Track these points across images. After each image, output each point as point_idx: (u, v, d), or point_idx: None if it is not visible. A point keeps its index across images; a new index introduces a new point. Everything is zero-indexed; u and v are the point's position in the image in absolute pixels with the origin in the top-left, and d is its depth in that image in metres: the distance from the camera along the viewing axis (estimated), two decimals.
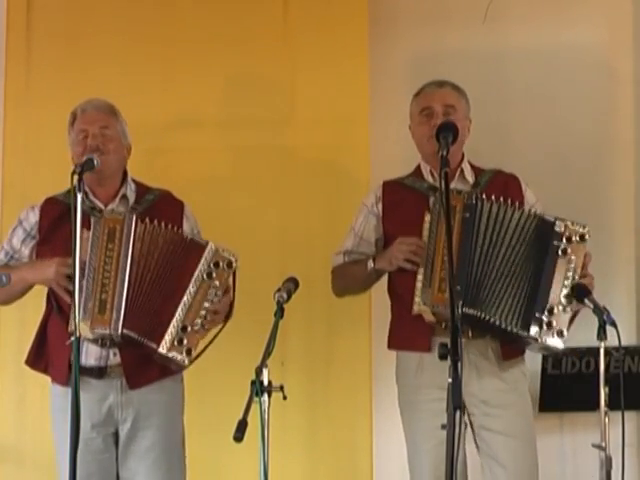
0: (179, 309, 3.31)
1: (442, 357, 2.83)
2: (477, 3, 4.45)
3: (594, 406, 3.26)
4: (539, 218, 3.40)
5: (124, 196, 3.53)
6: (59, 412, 3.41)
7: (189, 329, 3.31)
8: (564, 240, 3.35)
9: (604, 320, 3.22)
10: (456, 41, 4.49)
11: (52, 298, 3.45)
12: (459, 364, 2.80)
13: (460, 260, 3.30)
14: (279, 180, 4.33)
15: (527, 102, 4.48)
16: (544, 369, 4.22)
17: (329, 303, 4.00)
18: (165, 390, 3.49)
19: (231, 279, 3.43)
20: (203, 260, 3.36)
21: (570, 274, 3.33)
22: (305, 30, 4.36)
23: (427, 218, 3.40)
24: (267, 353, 2.99)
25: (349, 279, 3.64)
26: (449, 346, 2.81)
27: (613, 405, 3.23)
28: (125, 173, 3.58)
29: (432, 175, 3.57)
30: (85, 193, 3.42)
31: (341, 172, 4.31)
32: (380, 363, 4.15)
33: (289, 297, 3.21)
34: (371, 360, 4.25)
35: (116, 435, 3.46)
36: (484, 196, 3.39)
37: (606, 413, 3.22)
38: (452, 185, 3.43)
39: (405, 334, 3.50)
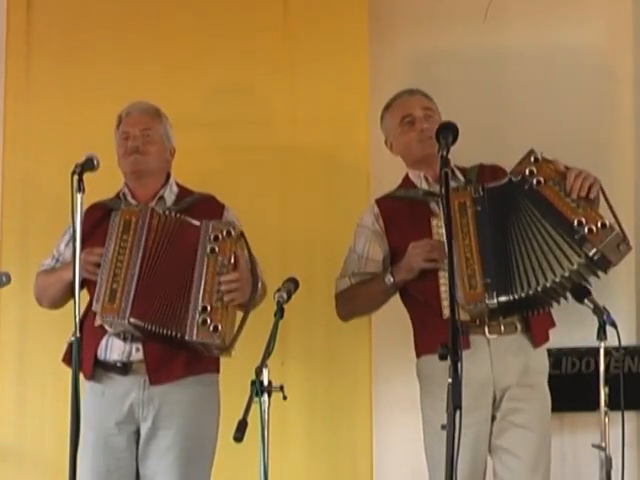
0: (193, 292, 3.33)
1: (442, 357, 2.83)
2: (477, 3, 4.45)
3: (594, 406, 3.27)
4: (502, 188, 3.40)
5: (161, 197, 3.56)
6: (85, 406, 3.30)
7: (209, 308, 3.31)
8: (527, 176, 3.35)
9: (604, 320, 3.23)
10: (456, 41, 4.49)
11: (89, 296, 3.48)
12: (459, 364, 2.80)
13: (483, 253, 3.30)
14: (278, 180, 4.33)
15: (527, 102, 4.48)
16: None
17: (329, 303, 3.99)
18: (189, 391, 3.45)
19: (240, 247, 3.43)
20: (201, 238, 3.38)
21: (558, 188, 3.33)
22: (305, 30, 4.36)
23: (434, 222, 3.39)
24: (267, 353, 2.99)
25: (363, 300, 3.60)
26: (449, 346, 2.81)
27: (613, 405, 3.24)
28: (168, 175, 3.62)
29: (426, 180, 3.56)
30: (124, 195, 3.56)
31: (341, 172, 4.31)
32: (380, 363, 4.15)
33: (289, 297, 3.21)
34: (371, 360, 4.25)
35: (137, 433, 3.45)
36: (487, 185, 3.40)
37: (606, 413, 3.23)
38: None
39: (438, 338, 3.44)
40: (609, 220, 3.27)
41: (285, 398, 3.02)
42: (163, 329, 3.31)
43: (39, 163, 4.29)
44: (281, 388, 3.03)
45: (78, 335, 3.11)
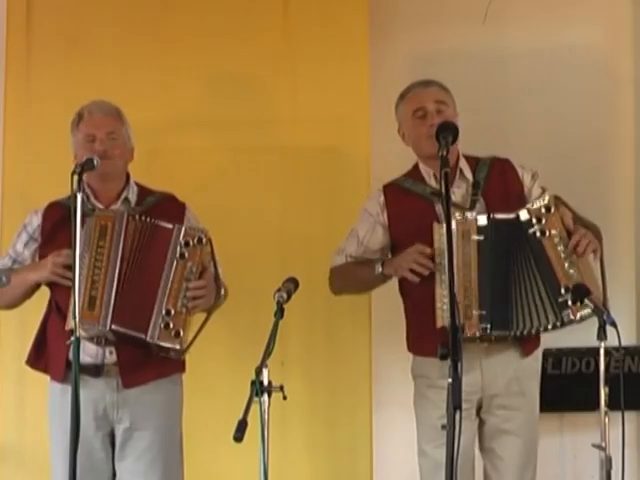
0: (159, 295, 3.32)
1: (442, 357, 2.83)
2: (477, 3, 4.45)
3: (594, 406, 3.26)
4: (508, 222, 3.40)
5: (126, 198, 3.55)
6: (56, 409, 3.43)
7: (172, 312, 3.31)
8: (534, 221, 3.37)
9: (604, 320, 3.22)
10: (456, 41, 4.48)
11: (52, 297, 3.48)
12: (459, 364, 2.80)
13: (481, 284, 3.34)
14: (279, 180, 4.33)
15: (527, 102, 4.48)
16: (544, 369, 4.19)
17: (329, 303, 4.00)
18: (162, 391, 3.49)
19: (207, 255, 3.43)
20: (172, 242, 3.37)
21: (560, 245, 3.35)
22: (305, 30, 4.36)
23: (437, 228, 3.38)
24: (267, 353, 2.99)
25: (353, 279, 3.63)
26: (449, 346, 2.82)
27: (613, 405, 3.23)
28: (128, 176, 3.61)
29: (435, 178, 3.54)
30: (87, 196, 3.47)
31: (341, 172, 4.31)
32: (380, 363, 4.15)
33: (289, 297, 3.21)
34: (371, 360, 4.25)
35: (111, 435, 3.47)
36: (493, 216, 3.39)
37: (606, 413, 3.22)
38: (453, 186, 3.45)
39: (432, 342, 3.44)
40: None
41: (285, 398, 3.02)
42: (132, 332, 3.31)
43: (39, 163, 4.29)
44: (281, 388, 3.02)
45: (74, 338, 3.11)
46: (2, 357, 4.23)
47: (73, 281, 3.14)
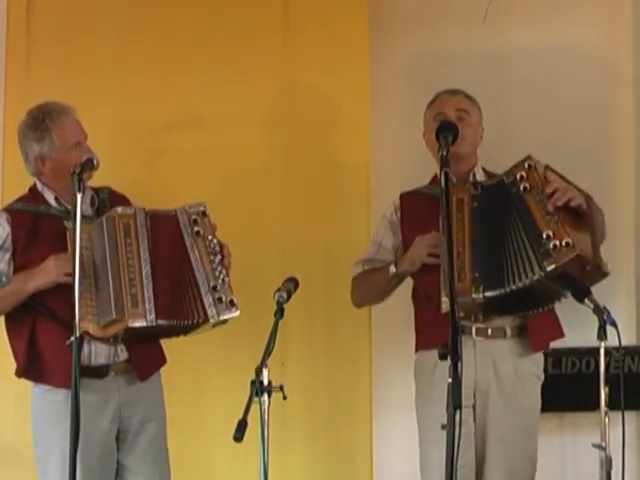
0: (197, 276, 3.39)
1: (442, 357, 2.84)
2: (477, 3, 4.45)
3: (594, 406, 3.26)
4: (495, 186, 3.46)
5: (92, 198, 3.56)
6: (60, 414, 3.37)
7: (218, 286, 3.39)
8: (518, 178, 3.39)
9: (604, 320, 3.22)
10: (456, 41, 4.48)
11: (39, 305, 3.42)
12: (459, 364, 2.80)
13: (473, 248, 3.36)
14: (279, 180, 4.33)
15: (527, 102, 4.48)
16: (544, 369, 4.22)
17: (329, 303, 4.00)
18: (157, 381, 3.58)
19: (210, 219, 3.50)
20: (182, 224, 3.44)
21: (540, 200, 3.36)
22: (305, 30, 4.36)
23: (441, 221, 3.41)
24: (267, 353, 3.00)
25: (370, 286, 3.67)
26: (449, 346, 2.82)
27: (613, 405, 3.23)
28: None
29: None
30: (56, 199, 3.52)
31: (341, 172, 4.31)
32: (380, 363, 4.15)
33: (289, 297, 3.21)
34: (371, 360, 4.25)
35: (118, 431, 3.49)
36: (483, 184, 3.46)
37: (606, 413, 3.22)
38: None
39: (434, 333, 3.46)
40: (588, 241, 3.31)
41: (285, 398, 3.02)
42: (186, 320, 3.36)
43: None
44: (281, 388, 3.03)
45: (78, 336, 3.12)
46: (2, 357, 4.22)
47: (75, 282, 3.13)
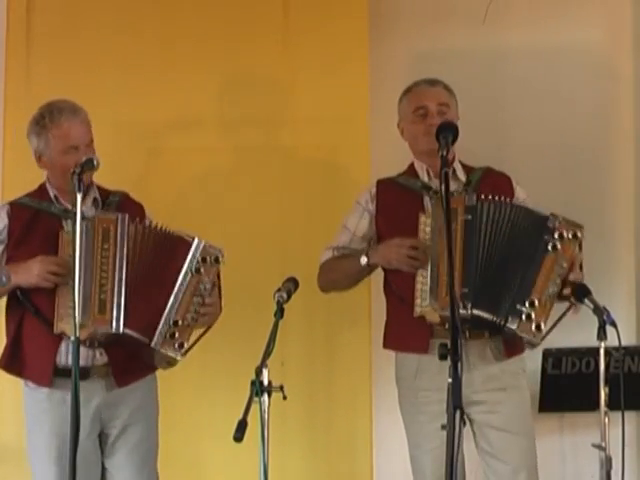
0: (169, 304, 3.33)
1: (442, 357, 2.84)
2: (477, 3, 4.45)
3: (594, 406, 3.26)
4: (534, 213, 3.42)
5: (95, 199, 3.52)
6: (42, 414, 3.41)
7: (180, 323, 3.32)
8: (556, 236, 3.37)
9: (604, 320, 3.22)
10: (456, 41, 4.48)
11: (26, 300, 3.40)
12: (459, 364, 2.80)
13: (466, 262, 3.32)
14: (279, 180, 4.33)
15: (527, 102, 4.48)
16: (544, 369, 4.22)
17: (329, 303, 4.00)
18: (148, 387, 3.53)
19: (218, 272, 3.43)
20: (190, 256, 3.38)
21: (558, 269, 3.34)
22: (305, 30, 4.36)
23: (422, 219, 3.42)
24: (267, 353, 2.99)
25: (339, 273, 3.64)
26: (449, 346, 2.82)
27: (613, 405, 3.24)
28: None
29: (428, 174, 3.58)
30: (55, 198, 3.49)
31: (341, 172, 4.31)
32: (380, 363, 4.14)
33: (289, 297, 3.21)
34: (371, 360, 4.25)
35: (100, 435, 3.47)
36: (482, 196, 3.41)
37: (606, 413, 3.23)
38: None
39: (403, 334, 3.51)
40: (544, 326, 3.31)
41: (285, 398, 3.02)
42: (140, 336, 3.31)
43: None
44: (281, 388, 3.02)
45: (78, 337, 3.09)
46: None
47: (73, 283, 3.12)
